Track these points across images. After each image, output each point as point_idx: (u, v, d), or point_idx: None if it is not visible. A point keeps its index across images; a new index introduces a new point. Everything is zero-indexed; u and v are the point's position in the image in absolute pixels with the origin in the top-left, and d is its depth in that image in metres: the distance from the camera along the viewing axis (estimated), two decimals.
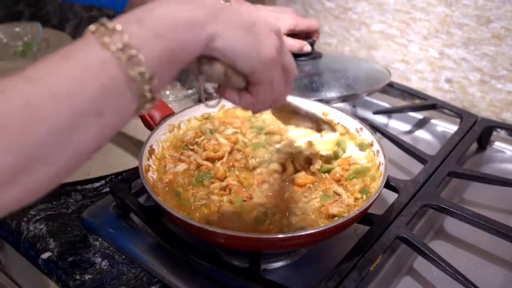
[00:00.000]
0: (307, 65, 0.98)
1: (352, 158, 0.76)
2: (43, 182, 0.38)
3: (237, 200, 0.67)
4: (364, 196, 0.69)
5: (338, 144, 0.79)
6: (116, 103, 0.40)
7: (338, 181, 0.73)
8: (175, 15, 0.42)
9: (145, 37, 0.40)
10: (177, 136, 0.80)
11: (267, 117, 0.84)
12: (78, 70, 0.38)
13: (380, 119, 1.03)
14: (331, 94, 0.91)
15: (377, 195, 0.63)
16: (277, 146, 0.77)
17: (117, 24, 0.40)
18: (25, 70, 0.38)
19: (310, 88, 0.92)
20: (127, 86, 0.40)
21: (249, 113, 0.77)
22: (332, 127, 0.75)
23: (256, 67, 0.48)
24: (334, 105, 0.90)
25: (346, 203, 0.67)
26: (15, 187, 0.36)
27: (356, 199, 0.68)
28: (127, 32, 0.39)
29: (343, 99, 0.93)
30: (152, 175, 0.71)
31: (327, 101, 0.90)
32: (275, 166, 0.73)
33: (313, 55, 1.00)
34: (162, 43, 0.41)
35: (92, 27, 0.40)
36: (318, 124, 0.73)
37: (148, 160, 0.72)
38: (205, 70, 0.49)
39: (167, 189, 0.70)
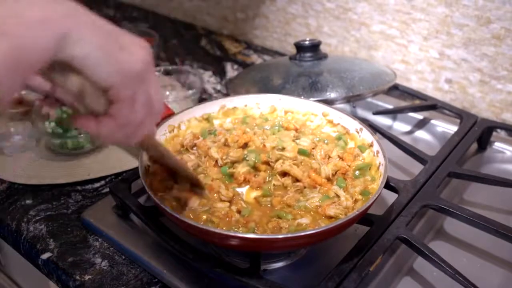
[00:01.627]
0: (312, 65, 0.98)
1: (356, 149, 0.77)
2: None
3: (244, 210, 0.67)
4: (363, 198, 0.69)
5: (339, 138, 0.80)
6: None
7: (344, 173, 0.73)
8: (24, 12, 0.38)
9: None
10: (175, 141, 0.79)
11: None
12: None
13: (380, 120, 1.02)
14: (336, 94, 0.92)
15: (377, 195, 0.63)
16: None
17: None
18: None
19: (314, 88, 0.92)
20: None
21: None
22: (204, 191, 0.69)
23: (115, 78, 0.43)
24: (335, 105, 0.90)
25: (344, 205, 0.67)
26: None
27: (356, 200, 0.68)
28: None
29: (348, 99, 0.93)
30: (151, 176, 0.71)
31: (331, 102, 0.90)
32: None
33: (318, 56, 1.01)
34: (4, 41, 0.36)
35: None
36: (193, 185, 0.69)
37: (148, 160, 0.72)
38: (58, 81, 0.43)
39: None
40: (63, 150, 0.90)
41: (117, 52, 0.43)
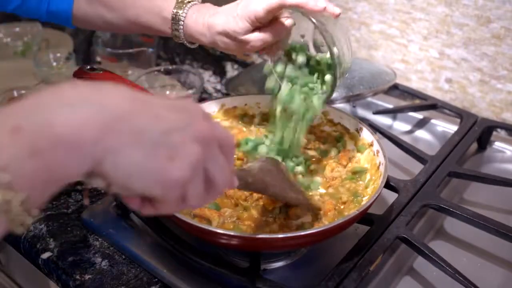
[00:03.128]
0: None
1: (352, 153, 0.77)
2: None
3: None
4: (354, 199, 0.69)
5: (337, 140, 0.80)
6: None
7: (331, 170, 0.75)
8: (58, 128, 0.34)
9: (16, 155, 0.33)
10: None
11: None
12: None
13: (380, 119, 1.02)
14: (336, 94, 0.91)
15: (377, 195, 0.63)
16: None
17: None
18: None
19: None
20: None
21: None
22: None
23: (156, 192, 0.40)
24: (335, 104, 0.90)
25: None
26: None
27: (344, 202, 0.70)
28: None
29: (348, 99, 0.93)
30: None
31: (331, 101, 0.90)
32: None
33: None
34: (36, 163, 0.33)
35: None
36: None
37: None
38: (92, 183, 0.39)
39: None
40: None
41: (163, 163, 0.38)
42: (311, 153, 0.78)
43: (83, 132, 0.35)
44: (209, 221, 0.65)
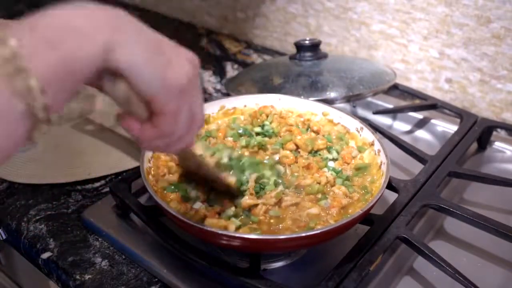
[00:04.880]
0: (312, 65, 0.98)
1: (354, 150, 0.77)
2: None
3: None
4: (365, 193, 0.69)
5: (340, 138, 0.80)
6: (1, 121, 0.35)
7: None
8: (70, 21, 0.38)
9: (36, 45, 0.36)
10: None
11: None
12: None
13: (380, 119, 1.02)
14: (336, 94, 0.92)
15: (380, 194, 0.63)
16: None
17: (7, 32, 0.35)
18: None
19: (314, 87, 0.93)
20: (14, 103, 0.35)
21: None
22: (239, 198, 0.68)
23: (158, 91, 0.43)
24: (335, 105, 0.90)
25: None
26: None
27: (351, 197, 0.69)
28: (17, 41, 0.35)
29: (348, 99, 0.93)
30: (152, 177, 0.71)
31: (331, 101, 0.90)
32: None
33: (318, 55, 1.01)
34: (55, 53, 0.36)
35: None
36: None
37: (149, 162, 0.72)
38: (106, 87, 0.43)
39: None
40: None
41: (162, 65, 0.43)
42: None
43: (94, 23, 0.39)
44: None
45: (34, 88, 0.35)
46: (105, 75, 0.42)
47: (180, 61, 0.45)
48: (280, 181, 0.71)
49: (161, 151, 0.51)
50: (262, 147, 0.78)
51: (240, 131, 0.81)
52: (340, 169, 0.74)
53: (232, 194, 0.68)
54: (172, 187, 0.69)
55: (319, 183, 0.71)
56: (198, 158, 0.66)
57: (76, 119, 0.96)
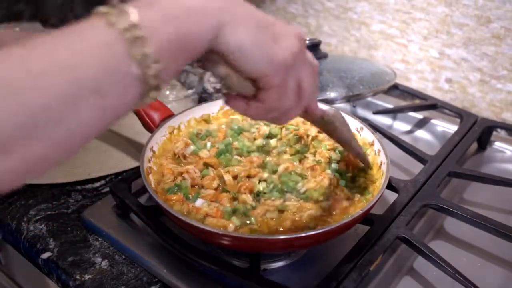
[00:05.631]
0: None
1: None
2: (37, 156, 0.36)
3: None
4: (363, 197, 0.69)
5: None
6: (117, 83, 0.38)
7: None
8: (185, 1, 0.41)
9: (154, 19, 0.39)
10: (169, 145, 0.79)
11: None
12: (80, 44, 0.36)
13: (380, 119, 1.02)
14: (336, 94, 0.92)
15: (380, 194, 0.63)
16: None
17: (128, 5, 0.38)
18: (23, 42, 0.36)
19: None
20: (130, 67, 0.38)
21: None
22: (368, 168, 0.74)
23: (265, 69, 0.45)
24: (335, 105, 0.90)
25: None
26: (10, 156, 0.35)
27: (348, 198, 0.69)
28: (136, 13, 0.38)
29: (348, 99, 0.93)
30: (154, 178, 0.71)
31: (331, 101, 0.90)
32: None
33: (318, 55, 1.01)
34: (171, 28, 0.39)
35: (102, 8, 0.39)
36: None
37: (149, 162, 0.72)
38: (207, 66, 0.46)
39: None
40: None
41: (269, 44, 0.44)
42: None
43: (207, 3, 0.42)
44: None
45: (149, 57, 0.38)
46: (209, 55, 0.44)
47: (287, 39, 0.46)
48: (286, 189, 0.70)
49: (277, 124, 0.54)
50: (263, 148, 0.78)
51: (235, 127, 0.81)
52: (343, 170, 0.74)
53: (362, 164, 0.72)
54: (176, 188, 0.69)
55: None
56: (332, 124, 0.65)
57: None
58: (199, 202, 0.66)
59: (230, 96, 0.49)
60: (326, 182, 0.70)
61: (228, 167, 0.72)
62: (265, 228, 0.64)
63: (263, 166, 0.73)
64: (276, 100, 0.48)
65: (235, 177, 0.70)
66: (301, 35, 0.48)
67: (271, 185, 0.69)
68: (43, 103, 0.34)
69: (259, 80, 0.46)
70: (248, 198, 0.67)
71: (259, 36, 0.44)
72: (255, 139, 0.79)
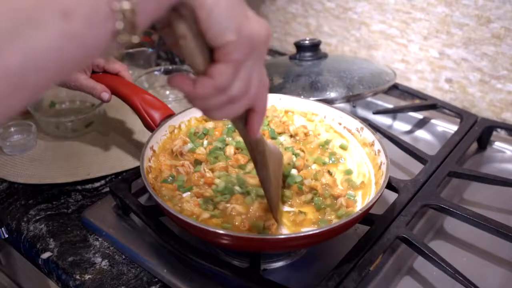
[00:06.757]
0: (312, 65, 0.98)
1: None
2: None
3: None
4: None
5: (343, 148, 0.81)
6: (91, 12, 0.34)
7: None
8: None
9: None
10: (168, 144, 0.79)
11: None
12: None
13: (380, 119, 1.03)
14: (336, 94, 0.92)
15: (379, 194, 0.63)
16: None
17: None
18: None
19: (314, 87, 0.93)
20: (105, 3, 0.35)
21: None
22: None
23: (231, 36, 0.42)
24: (335, 105, 0.90)
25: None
26: None
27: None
28: None
29: (348, 99, 0.93)
30: (152, 176, 0.71)
31: (331, 101, 0.90)
32: None
33: (318, 55, 1.01)
34: None
35: None
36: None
37: (149, 161, 0.72)
38: (170, 24, 0.42)
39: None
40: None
41: (242, 16, 0.43)
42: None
43: None
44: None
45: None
46: (175, 12, 0.41)
47: (257, 22, 0.44)
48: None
49: (216, 116, 0.47)
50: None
51: (229, 126, 0.82)
52: (357, 181, 0.74)
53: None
54: (170, 179, 0.71)
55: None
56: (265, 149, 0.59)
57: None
58: (186, 194, 0.69)
59: (175, 75, 0.45)
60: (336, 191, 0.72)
61: (212, 164, 0.74)
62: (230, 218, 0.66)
63: (243, 167, 0.74)
64: (228, 78, 0.44)
65: None
66: (270, 31, 0.46)
67: (229, 184, 0.70)
68: (4, 13, 0.31)
69: (220, 48, 0.43)
70: (208, 191, 0.69)
71: (235, 4, 0.42)
72: None
